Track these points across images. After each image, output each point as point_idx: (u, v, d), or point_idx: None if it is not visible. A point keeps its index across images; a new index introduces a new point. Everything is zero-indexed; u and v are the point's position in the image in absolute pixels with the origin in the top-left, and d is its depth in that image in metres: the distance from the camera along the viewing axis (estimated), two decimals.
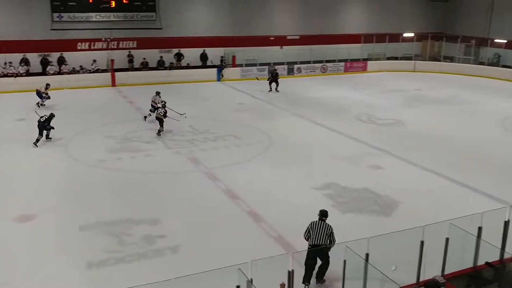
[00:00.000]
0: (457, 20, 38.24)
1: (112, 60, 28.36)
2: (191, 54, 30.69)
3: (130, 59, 29.53)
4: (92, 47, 29.08)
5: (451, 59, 35.79)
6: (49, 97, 22.26)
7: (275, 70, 27.97)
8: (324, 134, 19.19)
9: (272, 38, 33.51)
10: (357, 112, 22.42)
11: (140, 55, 29.77)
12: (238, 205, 12.39)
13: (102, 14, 28.48)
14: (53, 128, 17.18)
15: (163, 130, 18.14)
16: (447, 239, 7.82)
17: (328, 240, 8.45)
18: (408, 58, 35.99)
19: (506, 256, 8.44)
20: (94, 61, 28.26)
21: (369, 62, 34.75)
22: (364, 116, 21.80)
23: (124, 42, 29.81)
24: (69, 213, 11.78)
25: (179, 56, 30.53)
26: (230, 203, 12.54)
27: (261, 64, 31.72)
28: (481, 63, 34.73)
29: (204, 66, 31.13)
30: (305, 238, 8.76)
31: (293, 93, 26.42)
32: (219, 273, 6.72)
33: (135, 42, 29.97)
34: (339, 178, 14.14)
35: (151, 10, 29.62)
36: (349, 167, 15.37)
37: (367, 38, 35.48)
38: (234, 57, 31.38)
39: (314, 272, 8.55)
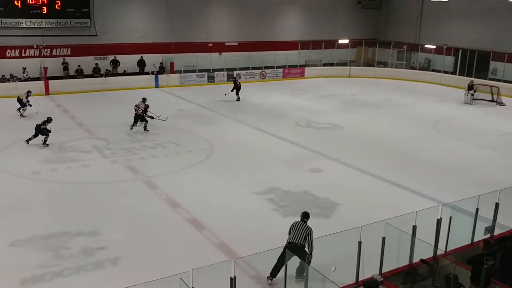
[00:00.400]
0: (389, 26, 39.83)
1: (45, 68, 27.29)
2: (128, 61, 30.09)
3: (65, 66, 28.56)
4: (23, 55, 27.87)
5: (384, 64, 37.19)
6: (30, 105, 21.68)
7: (236, 77, 27.65)
8: (265, 139, 19.36)
9: (210, 45, 33.49)
10: (296, 117, 22.78)
11: (75, 62, 28.86)
12: (179, 214, 12.24)
13: (33, 20, 27.31)
14: (49, 132, 17.41)
15: (146, 125, 19.56)
16: (384, 239, 8.06)
17: (304, 241, 8.72)
18: (344, 64, 37.01)
19: (439, 252, 8.83)
20: (24, 68, 27.08)
21: (306, 68, 35.43)
22: (303, 121, 22.18)
23: (58, 49, 28.81)
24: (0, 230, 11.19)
25: (115, 63, 29.85)
26: (171, 212, 12.36)
27: (200, 71, 31.61)
28: (413, 68, 36.33)
29: (142, 72, 30.61)
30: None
31: (234, 99, 26.49)
32: (160, 283, 6.60)
33: (69, 49, 29.02)
34: (280, 182, 14.30)
35: (86, 17, 28.77)
36: (289, 171, 15.58)
37: (304, 45, 36.20)
38: (172, 63, 31.07)
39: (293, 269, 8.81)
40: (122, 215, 12.14)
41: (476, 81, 28.55)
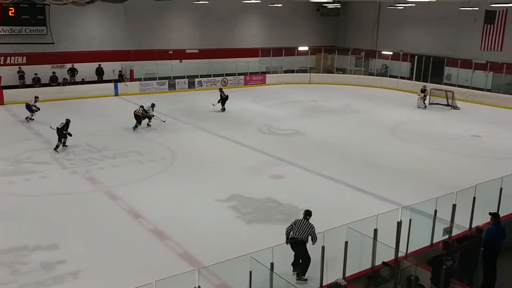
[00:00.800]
0: (348, 33, 40.62)
1: None
2: (86, 69, 29.54)
3: (21, 75, 27.73)
4: None
5: (343, 71, 37.85)
6: (38, 109, 22.15)
7: (221, 89, 26.91)
8: (227, 146, 19.34)
9: (171, 52, 33.27)
10: (258, 124, 22.87)
11: (31, 71, 28.02)
12: (141, 224, 12.05)
13: None
14: (70, 135, 17.89)
15: (139, 126, 20.77)
16: (346, 243, 8.15)
17: (307, 236, 9.14)
18: (304, 71, 37.45)
19: (400, 255, 9.01)
20: None
21: (267, 75, 35.66)
22: (265, 128, 22.29)
23: (13, 57, 27.98)
24: None
25: (73, 71, 29.23)
26: (133, 223, 12.16)
27: (160, 78, 31.32)
28: (371, 74, 37.11)
29: (101, 81, 30.08)
30: (286, 232, 9.41)
31: (195, 107, 26.36)
32: None
33: (24, 57, 28.22)
34: (243, 189, 14.30)
35: (41, 24, 28.10)
36: (252, 177, 15.61)
37: (265, 52, 36.44)
38: (132, 71, 30.68)
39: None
40: (82, 227, 11.85)
41: (432, 86, 29.46)
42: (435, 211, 9.48)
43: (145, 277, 7.26)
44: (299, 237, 9.12)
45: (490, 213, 9.57)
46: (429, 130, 22.62)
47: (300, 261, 9.36)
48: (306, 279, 9.24)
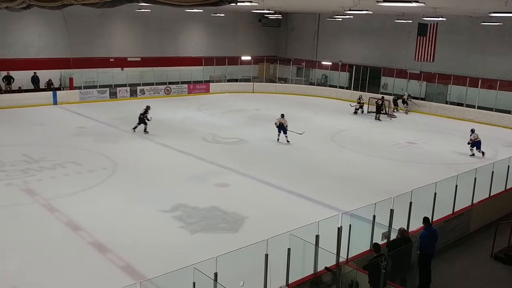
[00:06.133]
0: (289, 44, 41.41)
1: None
2: (23, 77, 28.43)
3: None
4: None
5: (285, 80, 38.54)
6: None
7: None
8: (171, 155, 19.16)
9: (112, 60, 32.64)
10: (202, 133, 22.82)
11: None
12: (81, 237, 11.70)
13: None
14: (148, 119, 21.79)
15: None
16: (289, 250, 8.28)
17: None
18: (247, 80, 37.77)
19: (341, 260, 9.26)
20: None
21: (211, 84, 35.67)
22: (209, 136, 22.27)
23: None
24: None
25: (8, 79, 28.04)
26: (72, 235, 11.78)
27: (101, 86, 30.63)
28: (311, 84, 38.00)
29: (37, 89, 29.01)
30: None
31: (137, 115, 25.91)
32: None
33: None
34: (187, 198, 14.21)
35: None
36: (197, 187, 15.54)
37: (208, 61, 36.47)
38: (71, 79, 29.81)
39: None
40: (18, 242, 11.36)
41: (369, 95, 30.53)
42: (374, 216, 9.83)
43: None
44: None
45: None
46: (367, 137, 23.40)
47: None
48: None
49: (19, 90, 28.26)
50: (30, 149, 18.54)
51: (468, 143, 20.19)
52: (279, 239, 8.24)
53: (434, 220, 11.28)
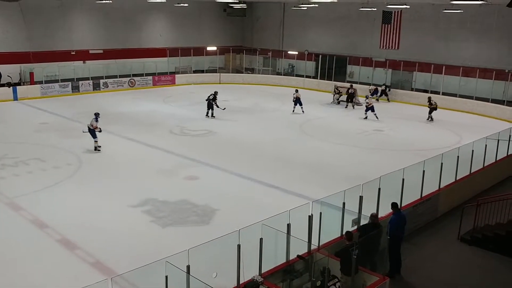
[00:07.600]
0: (255, 34, 41.27)
1: None
2: None
3: None
4: None
5: (252, 70, 38.39)
6: None
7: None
8: (138, 149, 18.85)
9: (73, 53, 31.83)
10: (169, 125, 22.52)
11: None
12: (47, 235, 11.40)
13: None
14: (220, 108, 23.67)
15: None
16: (261, 239, 8.27)
17: None
18: (214, 71, 37.47)
19: (312, 247, 9.29)
20: None
21: (177, 75, 35.23)
22: (177, 129, 22.01)
23: None
24: None
25: None
26: (39, 234, 11.47)
27: (63, 80, 29.82)
28: (278, 73, 37.98)
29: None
30: None
31: (101, 109, 25.28)
32: None
33: None
34: (156, 192, 14.02)
35: None
36: (166, 180, 15.35)
37: (173, 52, 35.97)
38: (32, 74, 28.93)
39: None
40: None
41: (336, 84, 30.78)
42: (343, 203, 9.90)
43: None
44: None
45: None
46: (334, 126, 23.59)
47: None
48: None
49: None
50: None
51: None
52: (251, 229, 8.20)
53: (402, 205, 11.46)
